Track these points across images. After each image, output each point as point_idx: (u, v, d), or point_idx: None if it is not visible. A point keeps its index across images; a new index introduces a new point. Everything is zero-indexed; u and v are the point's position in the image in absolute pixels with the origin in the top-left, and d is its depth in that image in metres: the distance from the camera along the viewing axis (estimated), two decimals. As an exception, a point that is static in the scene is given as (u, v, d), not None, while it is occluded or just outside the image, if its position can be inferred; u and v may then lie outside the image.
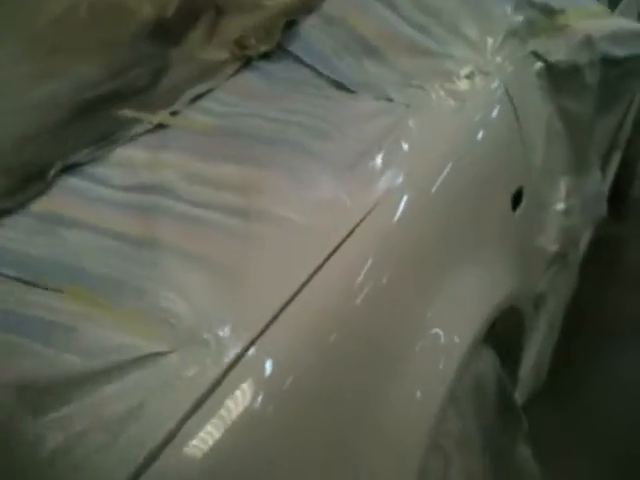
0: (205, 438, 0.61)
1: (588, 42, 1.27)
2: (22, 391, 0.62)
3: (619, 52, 1.33)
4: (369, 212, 0.83)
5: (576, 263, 1.45)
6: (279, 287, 0.72)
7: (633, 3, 2.34)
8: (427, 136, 0.98)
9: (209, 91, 1.07)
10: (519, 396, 1.25)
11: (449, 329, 0.87)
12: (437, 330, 0.86)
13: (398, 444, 0.79)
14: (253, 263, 0.75)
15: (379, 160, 0.90)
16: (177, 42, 1.20)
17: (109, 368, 0.64)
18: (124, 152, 0.95)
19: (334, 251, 0.77)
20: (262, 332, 0.68)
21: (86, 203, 0.86)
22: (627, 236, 2.68)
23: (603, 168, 1.89)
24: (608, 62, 1.31)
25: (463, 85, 1.08)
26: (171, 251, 0.76)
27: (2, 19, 1.52)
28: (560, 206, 1.28)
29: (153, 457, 0.59)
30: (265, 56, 1.15)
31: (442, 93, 1.06)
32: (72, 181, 0.90)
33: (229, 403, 0.63)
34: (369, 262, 0.80)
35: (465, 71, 1.11)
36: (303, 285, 0.73)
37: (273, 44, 1.15)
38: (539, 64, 1.24)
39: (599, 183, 1.46)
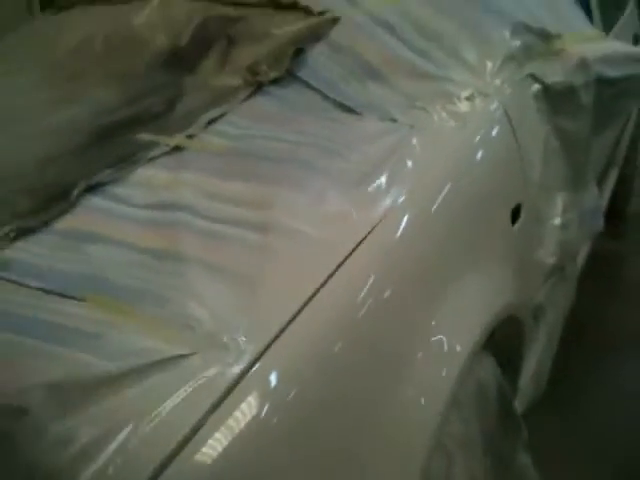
0: (219, 443, 0.62)
1: (583, 64, 1.32)
2: (51, 392, 0.65)
3: (613, 73, 1.37)
4: (375, 226, 0.87)
5: (574, 276, 1.48)
6: (292, 296, 0.77)
7: (628, 26, 2.41)
8: (430, 155, 1.03)
9: (223, 115, 1.12)
10: (519, 405, 1.28)
11: (451, 337, 0.90)
12: (439, 338, 0.89)
13: (402, 447, 0.81)
14: (269, 274, 0.79)
15: (384, 177, 0.95)
16: (191, 70, 1.27)
17: (132, 371, 0.67)
18: (144, 173, 1.00)
19: (342, 262, 0.82)
20: (277, 337, 0.72)
21: (109, 220, 0.90)
22: (625, 252, 2.72)
23: (600, 185, 1.92)
24: (602, 83, 1.35)
25: (464, 107, 1.13)
26: (192, 263, 0.80)
27: (23, 49, 1.60)
28: (557, 220, 1.31)
29: (167, 462, 0.61)
30: (276, 82, 1.20)
31: (444, 114, 1.11)
32: (95, 200, 0.95)
33: (246, 406, 0.66)
34: (375, 274, 0.84)
35: (465, 93, 1.16)
36: (315, 293, 0.77)
37: (283, 71, 1.21)
38: (536, 86, 1.29)
39: (596, 198, 1.50)
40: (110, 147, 1.06)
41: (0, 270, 0.82)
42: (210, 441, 0.63)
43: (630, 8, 2.60)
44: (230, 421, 0.65)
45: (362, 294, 0.82)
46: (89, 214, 0.92)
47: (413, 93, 1.16)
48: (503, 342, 1.11)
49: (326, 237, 0.85)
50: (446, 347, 0.89)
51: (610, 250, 2.49)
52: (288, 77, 1.21)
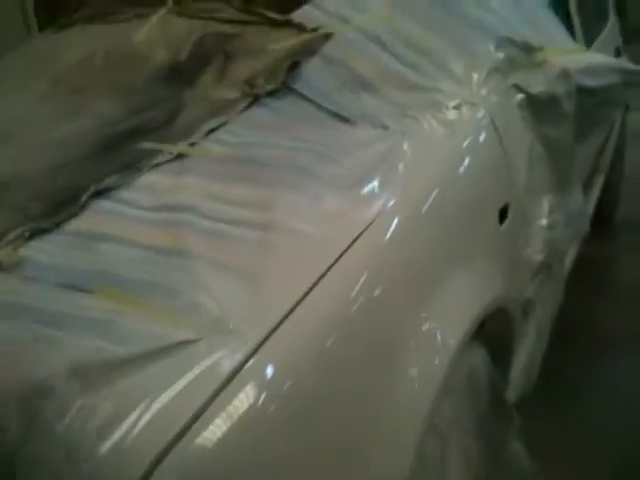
0: (220, 429, 0.66)
1: (565, 74, 1.38)
2: (72, 375, 0.69)
3: (593, 83, 1.43)
4: (369, 225, 0.92)
5: (561, 275, 1.53)
6: (292, 289, 0.81)
7: (610, 40, 2.48)
8: (420, 160, 1.08)
9: (222, 125, 1.18)
10: (511, 396, 1.32)
11: (442, 327, 0.94)
12: (431, 328, 0.93)
13: (396, 433, 0.85)
14: (270, 269, 0.84)
15: (378, 180, 1.00)
16: (190, 84, 1.32)
17: (141, 355, 0.71)
18: (149, 178, 1.05)
19: (338, 258, 0.86)
20: (276, 328, 0.76)
21: (117, 221, 0.95)
22: (614, 255, 2.78)
23: (586, 190, 1.98)
24: (584, 92, 1.41)
25: (452, 115, 1.18)
26: (197, 259, 0.85)
27: (25, 66, 1.65)
28: (544, 221, 1.36)
29: (169, 447, 0.64)
30: (272, 94, 1.25)
31: (433, 122, 1.16)
32: (103, 204, 1.00)
33: (244, 395, 0.69)
34: (368, 270, 0.88)
35: (454, 103, 1.21)
36: (312, 287, 0.82)
37: (279, 83, 1.26)
38: (520, 95, 1.34)
39: (581, 201, 1.55)
40: (115, 155, 1.11)
41: (15, 267, 0.86)
42: (211, 426, 0.66)
43: (611, 22, 2.67)
44: (230, 408, 0.68)
45: (356, 289, 0.86)
46: (98, 216, 0.97)
47: (404, 103, 1.20)
48: (494, 335, 1.16)
49: (323, 235, 0.89)
50: (437, 337, 0.93)
51: (598, 254, 2.55)
52: (284, 89, 1.26)
